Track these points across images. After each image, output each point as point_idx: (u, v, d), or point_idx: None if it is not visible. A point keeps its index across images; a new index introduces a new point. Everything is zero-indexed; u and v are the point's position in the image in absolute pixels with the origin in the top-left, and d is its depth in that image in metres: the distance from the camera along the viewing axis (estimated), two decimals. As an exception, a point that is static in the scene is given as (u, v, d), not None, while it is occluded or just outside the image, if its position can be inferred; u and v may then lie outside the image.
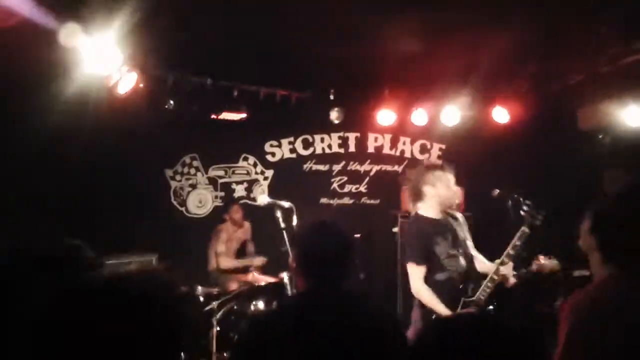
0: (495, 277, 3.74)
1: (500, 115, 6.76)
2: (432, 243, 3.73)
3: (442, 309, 3.59)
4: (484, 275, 3.86)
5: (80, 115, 5.54)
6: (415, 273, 3.71)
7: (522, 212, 3.80)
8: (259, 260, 6.46)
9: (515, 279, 3.87)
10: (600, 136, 6.19)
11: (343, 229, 2.25)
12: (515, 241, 3.71)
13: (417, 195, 3.91)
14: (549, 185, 6.50)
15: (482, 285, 3.75)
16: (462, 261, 3.82)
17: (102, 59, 4.67)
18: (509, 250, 3.74)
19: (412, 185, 4.01)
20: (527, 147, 6.74)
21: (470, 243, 4.03)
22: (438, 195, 3.83)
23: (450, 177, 3.86)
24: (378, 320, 2.19)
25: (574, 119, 6.55)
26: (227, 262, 6.42)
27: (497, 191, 4.76)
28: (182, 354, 1.27)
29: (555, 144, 6.63)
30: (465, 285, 3.77)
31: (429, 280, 3.70)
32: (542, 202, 3.97)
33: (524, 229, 3.69)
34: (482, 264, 3.99)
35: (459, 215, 4.14)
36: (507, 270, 3.76)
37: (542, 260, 4.14)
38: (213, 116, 6.47)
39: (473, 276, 3.86)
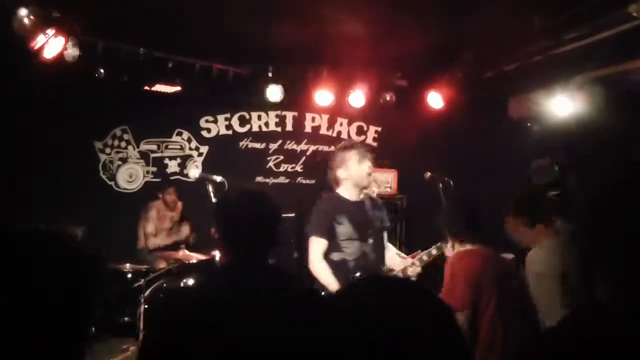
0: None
1: (435, 100, 6.86)
2: (334, 221, 3.70)
3: (333, 287, 3.50)
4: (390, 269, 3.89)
5: (1, 80, 5.23)
6: (315, 247, 3.70)
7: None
8: (186, 229, 6.42)
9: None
10: (529, 124, 6.38)
11: (270, 197, 2.13)
12: (432, 250, 3.86)
13: (337, 181, 3.87)
14: (478, 172, 6.69)
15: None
16: (364, 248, 3.75)
17: (26, 20, 4.38)
18: (423, 256, 3.87)
19: (331, 174, 3.92)
20: (460, 133, 6.89)
21: (385, 231, 4.02)
22: (350, 176, 3.79)
23: (361, 155, 3.78)
24: (302, 295, 2.11)
25: (505, 108, 6.73)
26: (156, 241, 6.34)
27: (428, 174, 4.87)
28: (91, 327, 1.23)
29: (486, 131, 6.79)
30: (359, 273, 3.69)
31: (326, 257, 3.68)
32: None
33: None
34: (391, 258, 4.00)
35: (379, 200, 4.12)
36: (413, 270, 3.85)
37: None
38: (146, 88, 6.24)
39: (373, 264, 3.77)
